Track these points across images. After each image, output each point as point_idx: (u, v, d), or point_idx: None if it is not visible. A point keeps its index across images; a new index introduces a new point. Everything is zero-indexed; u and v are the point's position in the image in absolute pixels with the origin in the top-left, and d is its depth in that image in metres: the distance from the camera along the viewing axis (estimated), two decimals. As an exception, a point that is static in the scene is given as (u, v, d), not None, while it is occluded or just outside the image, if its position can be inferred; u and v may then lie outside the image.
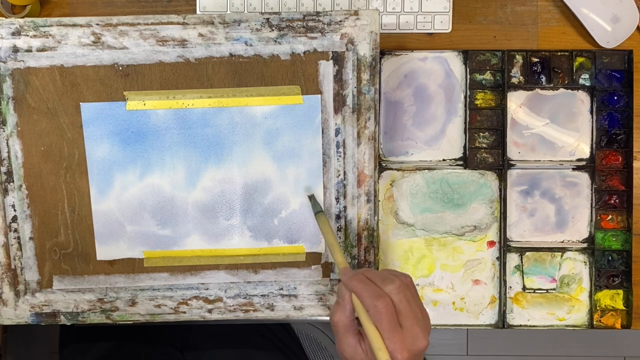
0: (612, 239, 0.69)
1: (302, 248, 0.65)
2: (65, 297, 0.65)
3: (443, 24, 0.69)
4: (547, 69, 0.68)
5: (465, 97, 0.69)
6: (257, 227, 0.65)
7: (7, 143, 0.63)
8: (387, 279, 0.51)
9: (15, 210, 0.64)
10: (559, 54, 0.68)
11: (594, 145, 0.69)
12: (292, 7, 0.68)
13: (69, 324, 0.65)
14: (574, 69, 0.68)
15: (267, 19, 0.61)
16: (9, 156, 0.63)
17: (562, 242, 0.69)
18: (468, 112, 0.68)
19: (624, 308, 0.69)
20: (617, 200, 0.69)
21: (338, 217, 0.64)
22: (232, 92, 0.63)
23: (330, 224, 0.61)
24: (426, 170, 0.69)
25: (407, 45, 0.69)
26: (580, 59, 0.68)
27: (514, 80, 0.68)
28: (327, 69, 0.62)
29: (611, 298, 0.69)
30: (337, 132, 0.63)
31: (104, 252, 0.65)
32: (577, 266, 0.69)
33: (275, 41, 0.62)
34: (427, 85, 0.69)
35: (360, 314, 0.51)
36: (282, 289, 0.65)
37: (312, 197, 0.64)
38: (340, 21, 0.61)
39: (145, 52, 0.62)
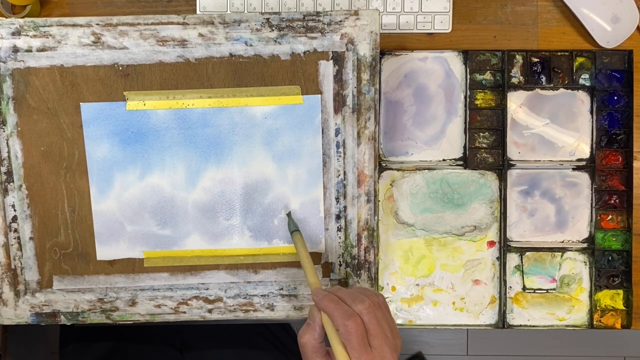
0: (612, 239, 0.69)
1: (302, 248, 0.65)
2: (65, 297, 0.65)
3: (443, 24, 0.69)
4: (547, 69, 0.68)
5: (465, 97, 0.69)
6: (257, 227, 0.65)
7: (7, 143, 0.63)
8: (357, 298, 0.51)
9: (15, 210, 0.64)
10: (559, 54, 0.68)
11: (594, 145, 0.69)
12: (292, 7, 0.68)
13: (69, 324, 0.65)
14: (574, 69, 0.68)
15: (267, 19, 0.61)
16: (9, 156, 0.63)
17: (562, 242, 0.69)
18: (468, 112, 0.68)
19: (624, 308, 0.69)
20: (617, 200, 0.69)
21: (338, 217, 0.64)
22: (232, 92, 0.63)
23: (304, 243, 0.61)
24: (426, 170, 0.69)
25: (407, 45, 0.69)
26: (580, 59, 0.68)
27: (514, 80, 0.68)
28: (327, 69, 0.62)
29: (611, 298, 0.69)
30: (337, 132, 0.63)
31: (104, 252, 0.65)
32: (577, 266, 0.69)
33: (275, 41, 0.62)
34: (427, 85, 0.69)
35: (330, 335, 0.51)
36: (282, 289, 0.65)
37: (289, 215, 0.64)
38: (340, 21, 0.61)
39: (145, 52, 0.62)
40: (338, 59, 0.62)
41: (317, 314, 0.52)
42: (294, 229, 0.62)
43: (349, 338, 0.49)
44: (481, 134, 0.69)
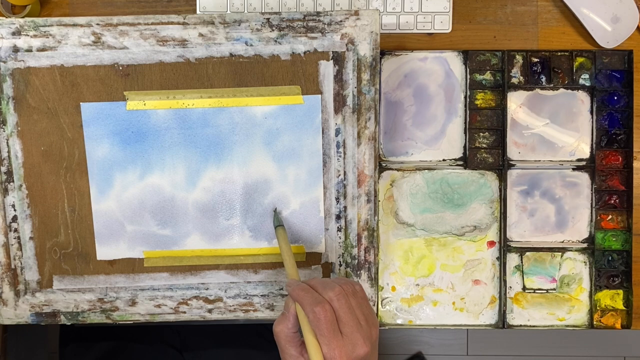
0: (612, 239, 0.69)
1: (302, 248, 0.65)
2: (65, 297, 0.65)
3: (443, 24, 0.69)
4: (547, 69, 0.68)
5: (465, 97, 0.69)
6: (257, 227, 0.65)
7: (7, 143, 0.63)
8: (328, 286, 0.51)
9: (15, 210, 0.64)
10: (559, 54, 0.68)
11: (594, 145, 0.69)
12: (292, 7, 0.68)
13: (69, 324, 0.65)
14: (574, 69, 0.68)
15: (268, 19, 0.61)
16: (9, 156, 0.63)
17: (562, 242, 0.69)
18: (468, 112, 0.68)
19: (624, 308, 0.69)
20: (617, 200, 0.69)
21: (338, 217, 0.64)
22: (232, 92, 0.63)
23: (287, 238, 0.61)
24: (426, 170, 0.69)
25: (407, 45, 0.69)
26: (580, 59, 0.68)
27: (514, 80, 0.68)
28: (327, 69, 0.62)
29: (611, 298, 0.69)
30: (337, 132, 0.63)
31: (104, 252, 0.65)
32: (577, 266, 0.69)
33: (276, 41, 0.62)
34: (427, 85, 0.69)
35: (302, 323, 0.51)
36: (282, 289, 0.65)
37: (275, 211, 0.64)
38: (341, 21, 0.61)
39: (146, 52, 0.62)
40: (338, 59, 0.62)
41: (291, 304, 0.52)
42: (278, 224, 0.63)
43: (318, 325, 0.49)
44: (481, 134, 0.69)
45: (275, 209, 0.64)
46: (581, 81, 0.68)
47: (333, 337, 0.49)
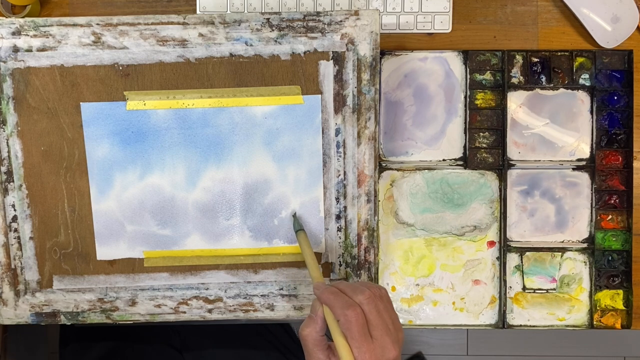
0: (612, 239, 0.69)
1: (302, 248, 0.65)
2: (65, 297, 0.65)
3: (443, 24, 0.69)
4: (547, 69, 0.68)
5: (465, 97, 0.69)
6: (257, 227, 0.65)
7: (7, 143, 0.63)
8: (358, 289, 0.51)
9: (15, 210, 0.64)
10: (559, 54, 0.68)
11: (594, 145, 0.69)
12: (292, 7, 0.68)
13: (69, 323, 0.65)
14: (574, 69, 0.68)
15: (268, 19, 0.61)
16: (9, 156, 0.63)
17: (562, 242, 0.69)
18: (468, 112, 0.68)
19: (624, 308, 0.69)
20: (617, 200, 0.69)
21: (338, 217, 0.64)
22: (232, 92, 0.63)
23: (308, 241, 0.62)
24: (426, 170, 0.69)
25: (407, 45, 0.69)
26: (580, 59, 0.68)
27: (514, 80, 0.68)
28: (327, 69, 0.62)
29: (611, 298, 0.69)
30: (337, 132, 0.63)
31: (104, 252, 0.65)
32: (577, 266, 0.69)
33: (276, 41, 0.62)
34: (427, 85, 0.69)
35: (332, 326, 0.51)
36: (282, 289, 0.65)
37: (294, 216, 0.64)
38: (341, 21, 0.61)
39: (146, 52, 0.62)
40: (338, 59, 0.62)
41: (319, 307, 0.52)
42: (298, 228, 0.63)
43: (349, 327, 0.49)
44: (481, 134, 0.69)
45: (295, 213, 0.64)
46: (581, 81, 0.68)
47: (364, 341, 0.49)
